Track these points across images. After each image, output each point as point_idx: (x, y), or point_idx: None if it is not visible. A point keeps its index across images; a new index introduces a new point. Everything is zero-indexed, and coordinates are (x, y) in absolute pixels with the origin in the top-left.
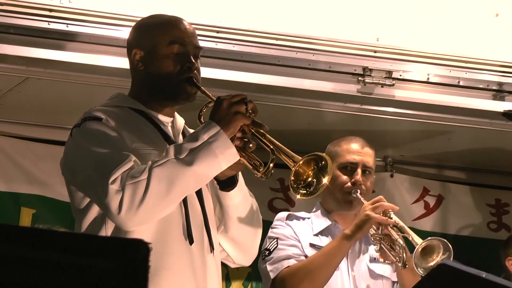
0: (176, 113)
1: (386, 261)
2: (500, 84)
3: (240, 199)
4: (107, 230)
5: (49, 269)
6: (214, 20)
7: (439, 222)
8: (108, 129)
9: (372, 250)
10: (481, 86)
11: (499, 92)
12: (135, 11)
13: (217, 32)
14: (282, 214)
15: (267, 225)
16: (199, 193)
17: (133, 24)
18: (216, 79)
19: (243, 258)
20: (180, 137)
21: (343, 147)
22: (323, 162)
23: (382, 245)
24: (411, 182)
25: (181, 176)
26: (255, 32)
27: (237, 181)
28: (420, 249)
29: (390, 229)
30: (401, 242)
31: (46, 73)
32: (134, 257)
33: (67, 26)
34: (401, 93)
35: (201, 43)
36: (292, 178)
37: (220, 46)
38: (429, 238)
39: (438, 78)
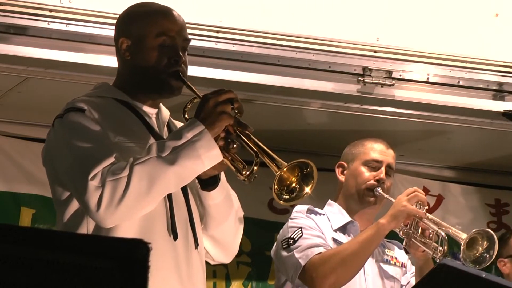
0: (161, 104)
1: (397, 264)
2: (500, 84)
3: (222, 199)
4: (89, 223)
5: (49, 269)
6: (214, 20)
7: None
8: (91, 122)
9: (385, 252)
10: (481, 86)
11: (499, 92)
12: None
13: (217, 32)
14: (302, 207)
15: (267, 224)
16: (184, 189)
17: None
18: (216, 79)
19: (223, 255)
20: (165, 129)
21: (367, 146)
22: (308, 169)
23: (413, 239)
24: (411, 182)
25: (162, 174)
26: (255, 32)
27: (219, 180)
28: (466, 243)
29: (427, 222)
30: (443, 234)
31: (46, 73)
32: (133, 257)
33: (67, 26)
34: (401, 93)
35: (201, 43)
36: (276, 184)
37: (220, 46)
38: (473, 231)
39: (438, 78)
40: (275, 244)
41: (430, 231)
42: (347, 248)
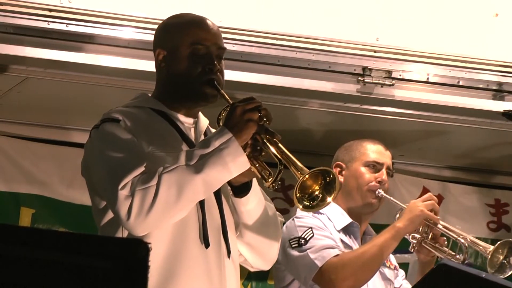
0: (200, 113)
1: (391, 267)
2: (500, 84)
3: (254, 205)
4: (124, 231)
5: (49, 269)
6: (213, 20)
7: None
8: (124, 132)
9: None
10: (480, 86)
11: (499, 92)
12: (135, 11)
13: None
14: None
15: None
16: (218, 197)
17: (133, 24)
18: None
19: (261, 262)
20: (202, 138)
21: (366, 147)
22: (331, 176)
23: (424, 243)
24: (411, 182)
25: (189, 182)
26: (255, 32)
27: (251, 187)
28: (490, 255)
29: (443, 228)
30: (462, 241)
31: (46, 73)
32: (134, 257)
33: (67, 26)
34: (400, 93)
35: None
36: (298, 190)
37: None
38: (499, 243)
39: (437, 78)
40: None
41: (445, 237)
42: (366, 251)
